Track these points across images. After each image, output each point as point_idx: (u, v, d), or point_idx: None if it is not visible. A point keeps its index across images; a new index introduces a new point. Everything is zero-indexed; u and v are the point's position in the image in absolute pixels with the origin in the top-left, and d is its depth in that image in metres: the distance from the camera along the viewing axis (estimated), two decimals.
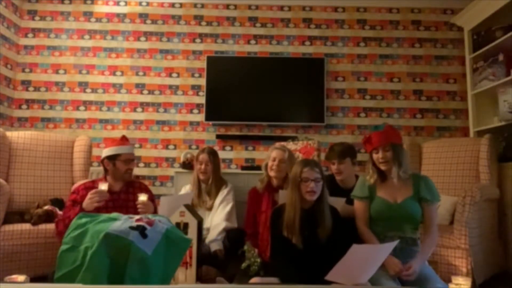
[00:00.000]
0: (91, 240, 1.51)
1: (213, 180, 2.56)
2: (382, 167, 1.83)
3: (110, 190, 2.13)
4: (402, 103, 3.83)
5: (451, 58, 3.86)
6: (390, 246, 1.52)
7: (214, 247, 2.29)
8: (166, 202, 2.17)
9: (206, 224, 2.44)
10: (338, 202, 2.01)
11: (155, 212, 2.19)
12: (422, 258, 1.73)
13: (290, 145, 3.00)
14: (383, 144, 1.81)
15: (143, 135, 3.77)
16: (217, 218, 2.45)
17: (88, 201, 2.00)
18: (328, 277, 1.45)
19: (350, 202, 2.06)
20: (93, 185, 2.17)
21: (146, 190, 2.28)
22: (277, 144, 2.52)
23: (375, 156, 1.85)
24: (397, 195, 1.82)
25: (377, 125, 1.90)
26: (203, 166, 2.55)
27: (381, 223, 1.82)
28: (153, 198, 2.27)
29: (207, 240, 2.35)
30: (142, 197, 2.12)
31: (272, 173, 2.35)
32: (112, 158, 2.18)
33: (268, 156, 2.42)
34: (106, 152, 2.20)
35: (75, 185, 2.64)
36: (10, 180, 2.64)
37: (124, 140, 2.25)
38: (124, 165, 2.18)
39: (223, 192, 2.55)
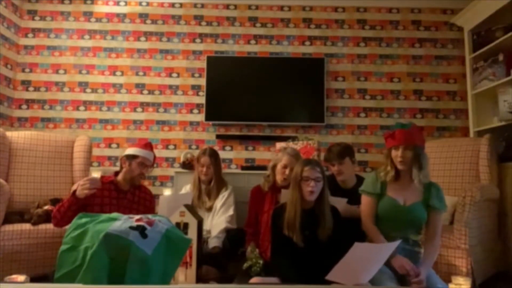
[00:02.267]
0: (91, 240, 1.51)
1: (215, 182, 2.55)
2: (399, 166, 1.80)
3: (118, 189, 2.17)
4: (402, 103, 3.83)
5: (451, 58, 3.86)
6: (392, 245, 1.52)
7: (213, 243, 2.28)
8: (166, 201, 2.17)
9: (206, 226, 2.43)
10: (339, 202, 2.01)
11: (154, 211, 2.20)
12: (428, 264, 1.70)
13: (290, 145, 3.00)
14: (406, 144, 1.76)
15: (143, 135, 3.77)
16: (218, 220, 2.44)
17: (80, 188, 2.00)
18: (329, 276, 1.45)
19: (351, 202, 2.06)
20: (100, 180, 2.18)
21: (150, 195, 2.33)
22: (290, 150, 2.37)
23: (394, 153, 1.80)
24: (407, 197, 1.80)
25: (404, 124, 1.83)
26: (204, 169, 2.53)
27: (386, 222, 1.81)
28: (153, 206, 2.31)
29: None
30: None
31: (279, 177, 2.28)
32: (131, 157, 2.21)
33: (278, 158, 2.32)
34: (128, 151, 2.25)
35: None
36: (10, 180, 2.64)
37: (148, 146, 2.30)
38: (138, 167, 2.20)
39: (224, 195, 2.53)
